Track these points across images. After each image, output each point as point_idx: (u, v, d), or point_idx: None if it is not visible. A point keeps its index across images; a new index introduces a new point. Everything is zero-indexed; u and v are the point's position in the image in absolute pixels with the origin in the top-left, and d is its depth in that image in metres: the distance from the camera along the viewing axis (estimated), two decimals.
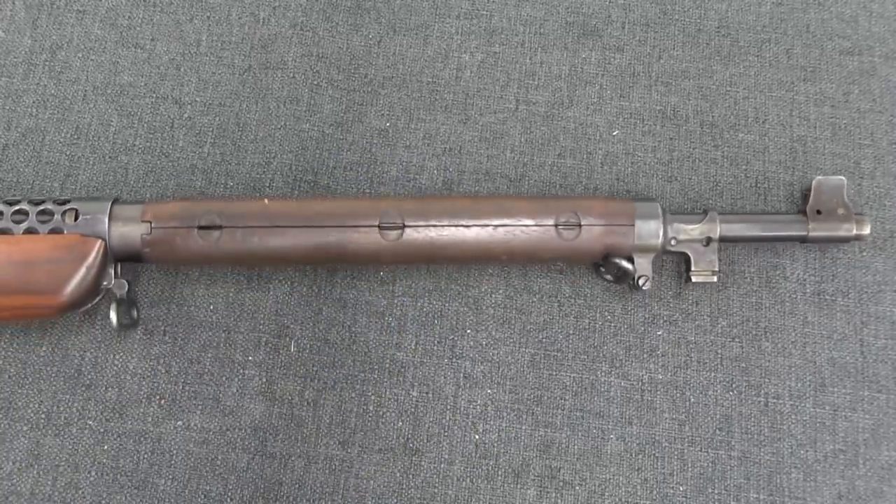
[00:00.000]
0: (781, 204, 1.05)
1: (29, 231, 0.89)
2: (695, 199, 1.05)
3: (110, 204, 0.92)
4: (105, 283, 0.91)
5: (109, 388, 0.96)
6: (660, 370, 0.98)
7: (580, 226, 0.93)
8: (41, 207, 0.90)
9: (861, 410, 0.97)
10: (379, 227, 0.92)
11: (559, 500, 0.94)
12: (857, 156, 1.07)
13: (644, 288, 0.94)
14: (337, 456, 0.95)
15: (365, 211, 0.92)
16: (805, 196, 1.00)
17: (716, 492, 0.94)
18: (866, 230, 0.97)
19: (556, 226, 0.93)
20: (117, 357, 0.97)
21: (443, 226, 0.92)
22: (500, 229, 0.93)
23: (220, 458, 0.94)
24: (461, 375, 0.98)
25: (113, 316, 0.91)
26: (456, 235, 0.92)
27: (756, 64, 1.11)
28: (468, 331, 0.99)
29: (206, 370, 0.97)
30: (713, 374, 0.98)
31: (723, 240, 0.96)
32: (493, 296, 1.00)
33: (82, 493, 0.93)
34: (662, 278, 1.01)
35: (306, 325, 0.99)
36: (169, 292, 0.99)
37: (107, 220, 0.91)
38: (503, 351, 0.98)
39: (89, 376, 0.96)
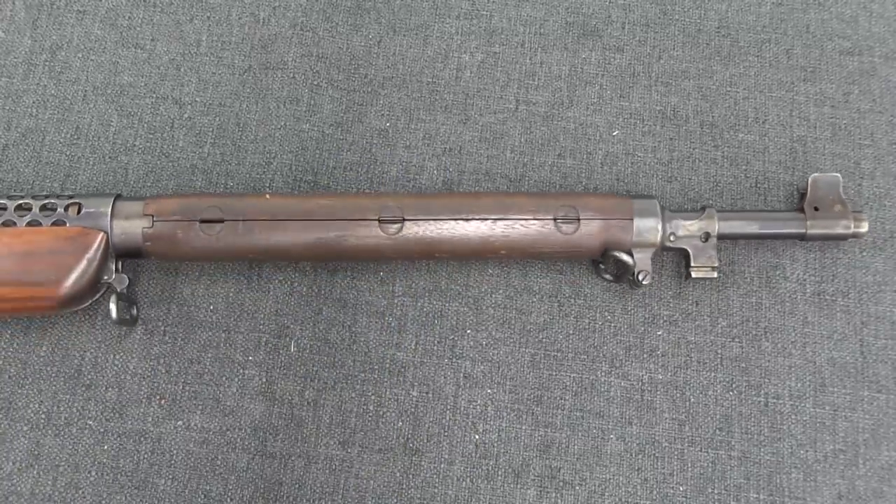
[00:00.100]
0: (781, 204, 1.05)
1: (32, 223, 0.90)
2: (695, 198, 1.05)
3: (113, 199, 0.92)
4: (106, 277, 0.91)
5: (109, 388, 0.96)
6: (660, 370, 0.98)
7: (579, 220, 0.93)
8: (44, 202, 0.91)
9: (861, 410, 0.97)
10: (379, 220, 0.92)
11: (559, 500, 0.94)
12: (856, 156, 1.07)
13: (644, 283, 0.94)
14: (337, 456, 0.95)
15: (365, 205, 0.93)
16: (802, 194, 1.00)
17: (716, 492, 0.94)
18: (864, 227, 0.97)
19: (554, 220, 0.93)
20: (117, 357, 0.97)
21: (443, 220, 0.92)
22: (500, 223, 0.93)
23: (220, 458, 0.94)
24: (461, 375, 0.98)
25: (112, 308, 0.91)
26: (456, 229, 0.93)
27: (756, 64, 1.11)
28: (468, 331, 0.99)
29: (206, 370, 0.97)
30: (713, 374, 0.98)
31: (721, 237, 0.96)
32: (493, 296, 1.00)
33: (82, 492, 0.93)
34: (662, 278, 1.01)
35: (306, 325, 0.99)
36: (169, 292, 0.99)
37: (109, 213, 0.91)
38: (503, 351, 0.98)
39: (89, 376, 0.96)
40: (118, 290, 0.92)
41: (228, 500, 0.93)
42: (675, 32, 1.12)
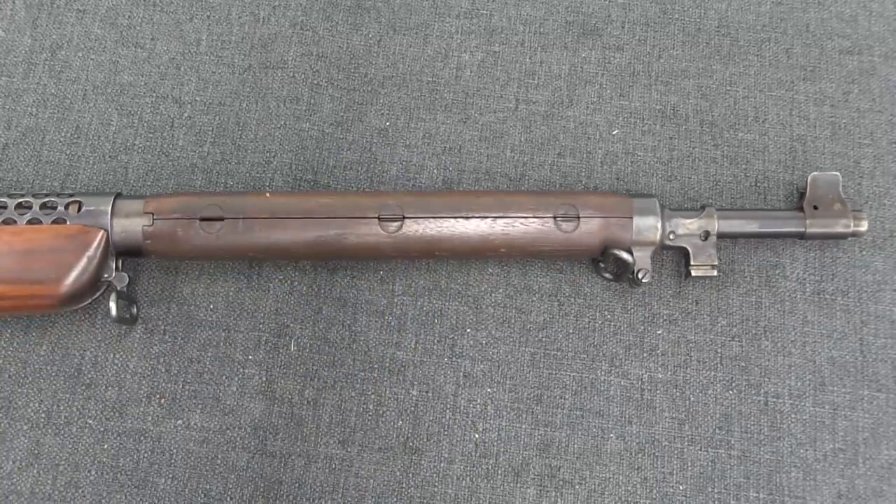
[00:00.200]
0: (781, 203, 1.05)
1: (32, 221, 0.90)
2: (694, 198, 1.05)
3: (113, 197, 0.92)
4: (106, 275, 0.91)
5: (109, 388, 0.96)
6: (659, 369, 0.98)
7: (578, 218, 0.93)
8: (45, 200, 0.91)
9: (861, 409, 0.97)
10: (379, 219, 0.92)
11: (559, 499, 0.94)
12: (856, 155, 1.07)
13: (644, 281, 0.94)
14: (337, 455, 0.95)
15: (365, 203, 0.93)
16: (801, 193, 1.00)
17: (715, 491, 0.94)
18: (864, 226, 0.97)
19: (554, 218, 0.93)
20: (117, 356, 0.97)
21: (443, 218, 0.92)
22: (500, 221, 0.93)
23: (219, 457, 0.94)
24: (461, 374, 0.98)
25: (112, 306, 0.91)
26: (456, 228, 0.93)
27: (756, 63, 1.11)
28: (468, 330, 0.99)
29: (206, 369, 0.97)
30: (713, 373, 0.98)
31: (721, 235, 0.96)
32: (493, 295, 1.00)
33: (82, 492, 0.93)
34: (662, 277, 1.01)
35: (306, 324, 0.99)
36: (169, 291, 0.99)
37: (109, 211, 0.91)
38: (503, 350, 0.98)
39: (89, 375, 0.96)
40: (118, 288, 0.92)
41: (228, 499, 0.93)
42: (675, 31, 1.12)
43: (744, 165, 1.06)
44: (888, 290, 1.01)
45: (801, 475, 0.95)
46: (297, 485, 0.94)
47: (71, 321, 0.98)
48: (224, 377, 0.97)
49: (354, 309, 0.99)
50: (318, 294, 1.00)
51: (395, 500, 0.93)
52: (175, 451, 0.94)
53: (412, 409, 0.96)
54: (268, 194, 0.94)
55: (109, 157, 1.05)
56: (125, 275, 0.92)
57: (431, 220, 0.93)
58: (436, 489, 0.94)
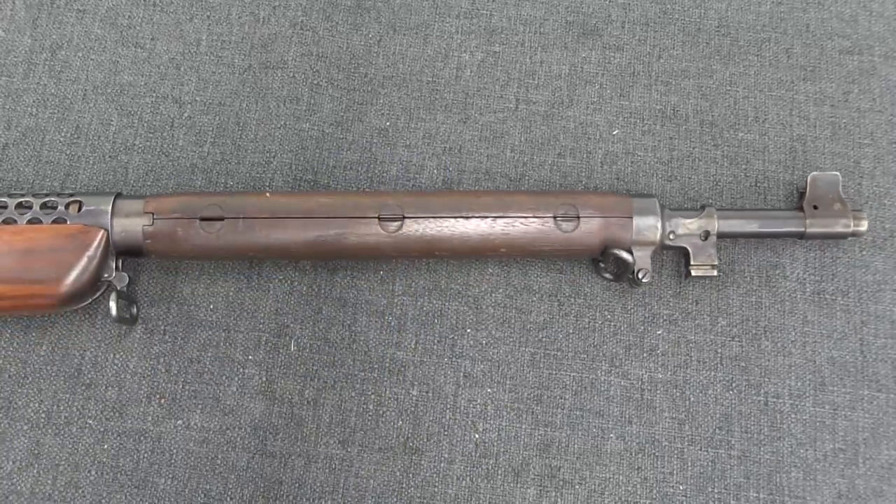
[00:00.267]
0: (781, 203, 1.05)
1: (32, 221, 0.90)
2: (694, 198, 1.05)
3: (113, 197, 0.92)
4: (106, 275, 0.91)
5: (109, 388, 0.96)
6: (659, 369, 0.98)
7: (578, 217, 0.93)
8: (45, 199, 0.91)
9: (861, 409, 0.97)
10: (379, 218, 0.92)
11: (559, 500, 0.94)
12: (856, 155, 1.07)
13: (644, 281, 0.94)
14: (337, 455, 0.95)
15: (365, 203, 0.93)
16: (801, 193, 1.00)
17: (716, 491, 0.94)
18: (864, 226, 0.98)
19: (554, 218, 0.93)
20: (117, 356, 0.97)
21: (443, 217, 0.93)
22: (500, 221, 0.93)
23: (220, 457, 0.94)
24: (461, 374, 0.98)
25: (112, 306, 0.91)
26: (456, 227, 0.93)
27: (756, 63, 1.11)
28: (468, 330, 0.99)
29: (206, 369, 0.97)
30: (713, 373, 0.98)
31: (721, 235, 0.96)
32: (493, 295, 1.00)
33: (82, 492, 0.93)
34: (662, 277, 1.01)
35: (306, 325, 0.99)
36: (169, 291, 0.99)
37: (109, 211, 0.91)
38: (503, 350, 0.98)
39: (89, 375, 0.96)
40: (118, 288, 0.92)
41: (228, 499, 0.93)
42: (675, 31, 1.12)
43: (744, 165, 1.06)
44: (888, 290, 1.01)
45: (802, 475, 0.95)
46: (297, 485, 0.94)
47: (71, 321, 0.98)
48: (224, 377, 0.97)
49: (354, 309, 0.99)
50: (318, 294, 1.00)
51: (395, 500, 0.93)
52: (175, 451, 0.94)
53: (412, 409, 0.96)
54: (268, 194, 0.94)
55: (109, 157, 1.05)
56: (125, 275, 0.92)
57: (431, 219, 0.93)
58: (436, 489, 0.94)
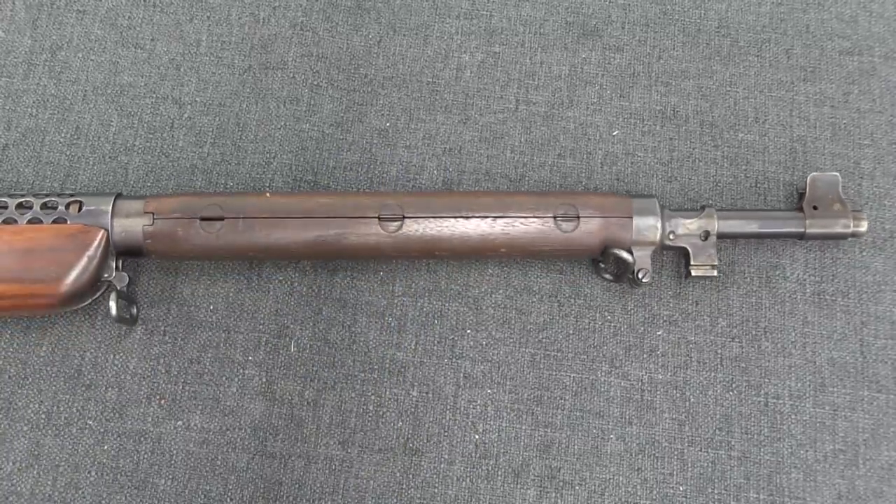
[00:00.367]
0: (781, 204, 1.05)
1: (33, 221, 0.90)
2: (695, 198, 1.05)
3: (114, 197, 0.92)
4: (106, 275, 0.92)
5: (109, 388, 0.96)
6: (660, 370, 0.98)
7: (578, 218, 0.93)
8: (45, 199, 0.91)
9: (861, 410, 0.97)
10: (379, 218, 0.92)
11: (559, 500, 0.94)
12: (856, 156, 1.07)
13: (644, 281, 0.94)
14: (337, 456, 0.95)
15: (365, 203, 0.93)
16: (801, 195, 1.00)
17: (716, 492, 0.94)
18: (863, 226, 0.98)
19: (554, 218, 0.93)
20: (117, 357, 0.97)
21: (443, 217, 0.93)
22: (500, 221, 0.93)
23: (220, 458, 0.94)
24: (461, 375, 0.98)
25: (112, 306, 0.91)
26: (456, 227, 0.93)
27: (756, 64, 1.11)
28: (468, 331, 0.99)
29: (206, 370, 0.97)
30: (713, 374, 0.98)
31: (721, 235, 0.96)
32: (493, 296, 1.00)
33: (82, 493, 0.93)
34: (662, 278, 1.01)
35: (306, 325, 0.99)
36: (169, 292, 0.99)
37: (110, 211, 0.91)
38: (503, 351, 0.98)
39: (89, 376, 0.96)
40: (118, 288, 0.92)
41: (228, 500, 0.93)
42: (675, 32, 1.12)
43: (744, 166, 1.06)
44: (888, 290, 1.01)
45: (802, 476, 0.95)
46: (297, 486, 0.94)
47: (71, 322, 0.98)
48: (224, 378, 0.97)
49: (354, 310, 0.99)
50: (319, 295, 1.00)
51: (395, 501, 0.93)
52: (175, 452, 0.94)
53: (412, 410, 0.96)
54: (268, 194, 0.94)
55: (109, 157, 1.05)
56: (125, 275, 0.93)
57: (431, 219, 0.93)
58: (436, 490, 0.94)
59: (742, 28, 1.12)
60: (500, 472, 0.95)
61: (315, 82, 1.09)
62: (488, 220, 0.93)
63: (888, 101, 1.09)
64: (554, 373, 0.98)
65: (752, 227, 0.97)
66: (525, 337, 0.99)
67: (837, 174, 0.99)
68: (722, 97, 1.09)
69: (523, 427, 0.96)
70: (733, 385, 0.98)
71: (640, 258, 0.94)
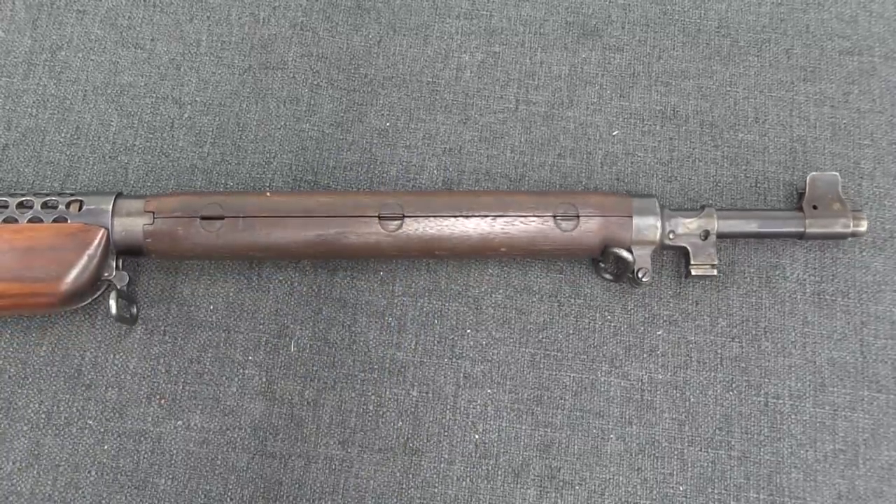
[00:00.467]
0: (781, 204, 1.05)
1: (33, 220, 0.90)
2: (695, 198, 1.05)
3: (114, 196, 0.92)
4: (106, 274, 0.92)
5: (109, 388, 0.96)
6: (660, 370, 0.98)
7: (578, 217, 0.93)
8: (46, 199, 0.92)
9: (861, 410, 0.97)
10: (379, 217, 0.92)
11: (559, 500, 0.94)
12: (856, 156, 1.07)
13: (644, 280, 0.94)
14: (337, 456, 0.94)
15: (365, 202, 0.93)
16: (801, 194, 1.00)
17: (716, 492, 0.94)
18: (863, 226, 0.98)
19: (554, 217, 0.93)
20: (117, 357, 0.97)
21: (443, 216, 0.93)
22: (500, 220, 0.93)
23: (220, 457, 0.94)
24: (461, 375, 0.98)
25: (112, 305, 0.91)
26: (456, 226, 0.93)
27: (756, 64, 1.11)
28: (468, 331, 0.99)
29: (206, 370, 0.97)
30: (713, 374, 0.98)
31: (720, 235, 0.96)
32: (493, 296, 1.00)
33: (82, 492, 0.93)
34: (662, 278, 1.01)
35: (306, 325, 0.99)
36: (169, 292, 0.99)
37: (110, 210, 0.91)
38: (503, 351, 0.98)
39: (89, 376, 0.96)
40: (118, 287, 0.92)
41: (228, 499, 0.93)
42: (675, 32, 1.12)
43: (744, 166, 1.06)
44: (888, 290, 1.01)
45: (802, 476, 0.95)
46: (297, 485, 0.94)
47: (71, 322, 0.98)
48: (224, 378, 0.97)
49: (354, 310, 0.99)
50: (318, 295, 1.00)
51: (395, 500, 0.93)
52: (175, 451, 0.94)
53: (412, 409, 0.96)
54: (268, 193, 0.94)
55: (109, 157, 1.05)
56: (125, 274, 0.93)
57: (431, 218, 0.93)
58: (436, 490, 0.94)
59: (742, 28, 1.12)
60: (500, 472, 0.94)
61: (315, 82, 1.09)
62: (488, 219, 0.93)
63: (888, 101, 1.09)
64: (554, 373, 0.98)
65: (751, 226, 0.97)
66: (525, 337, 0.99)
67: (837, 174, 0.99)
68: (722, 97, 1.09)
69: (523, 427, 0.96)
70: (733, 385, 0.98)
71: (640, 257, 0.95)
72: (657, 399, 0.97)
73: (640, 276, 0.94)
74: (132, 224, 0.91)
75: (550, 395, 0.97)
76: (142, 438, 0.94)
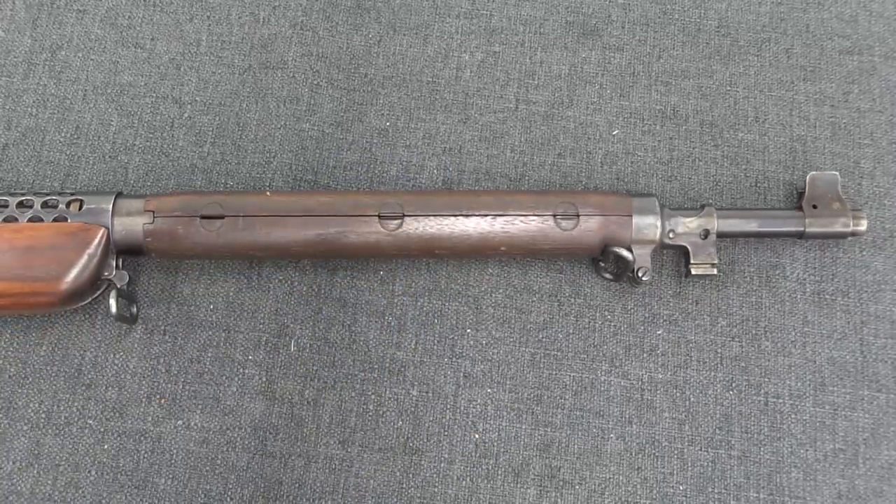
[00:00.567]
0: (781, 203, 1.05)
1: (33, 219, 0.90)
2: (695, 198, 1.05)
3: (114, 195, 0.92)
4: (106, 273, 0.92)
5: (109, 388, 0.96)
6: (660, 369, 0.98)
7: (578, 216, 0.93)
8: (46, 198, 0.92)
9: (861, 410, 0.97)
10: (379, 217, 0.92)
11: (559, 500, 0.94)
12: (856, 155, 1.07)
13: (644, 279, 0.94)
14: (337, 455, 0.95)
15: (365, 202, 0.93)
16: (801, 194, 1.00)
17: (716, 491, 0.94)
18: (863, 225, 0.98)
19: (554, 216, 0.93)
20: (117, 357, 0.97)
21: (443, 216, 0.93)
22: (500, 219, 0.93)
23: (220, 457, 0.94)
24: (461, 375, 0.98)
25: (112, 304, 0.91)
26: (456, 226, 0.93)
27: (756, 64, 1.11)
28: (468, 330, 0.99)
29: (206, 370, 0.97)
30: (713, 374, 0.98)
31: (720, 234, 0.96)
32: (493, 295, 1.00)
33: (82, 492, 0.93)
34: (662, 277, 1.01)
35: (306, 325, 0.99)
36: (169, 291, 0.99)
37: (110, 209, 0.91)
38: (503, 350, 0.98)
39: (89, 376, 0.96)
40: (118, 286, 0.92)
41: (228, 499, 0.93)
42: (675, 32, 1.12)
43: (744, 166, 1.06)
44: (888, 290, 1.01)
45: (802, 475, 0.95)
46: (297, 485, 0.94)
47: (71, 321, 0.98)
48: (224, 377, 0.97)
49: (354, 309, 0.99)
50: (319, 294, 1.00)
51: (395, 500, 0.93)
52: (175, 451, 0.94)
53: (412, 409, 0.96)
54: (268, 193, 0.94)
55: (109, 157, 1.05)
56: (125, 273, 0.93)
57: (431, 218, 0.93)
58: (436, 489, 0.94)
59: (742, 28, 1.12)
60: (500, 472, 0.94)
61: (315, 82, 1.09)
62: (488, 218, 0.93)
63: (888, 101, 1.09)
64: (554, 372, 0.98)
65: (751, 225, 0.97)
66: (525, 336, 0.99)
67: (836, 173, 0.99)
68: (722, 97, 1.09)
69: (523, 426, 0.96)
70: (733, 384, 0.98)
71: (640, 256, 0.95)
72: (657, 398, 0.97)
73: (640, 275, 0.94)
74: (132, 223, 0.91)
75: (550, 394, 0.97)
76: (142, 438, 0.94)
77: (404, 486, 0.94)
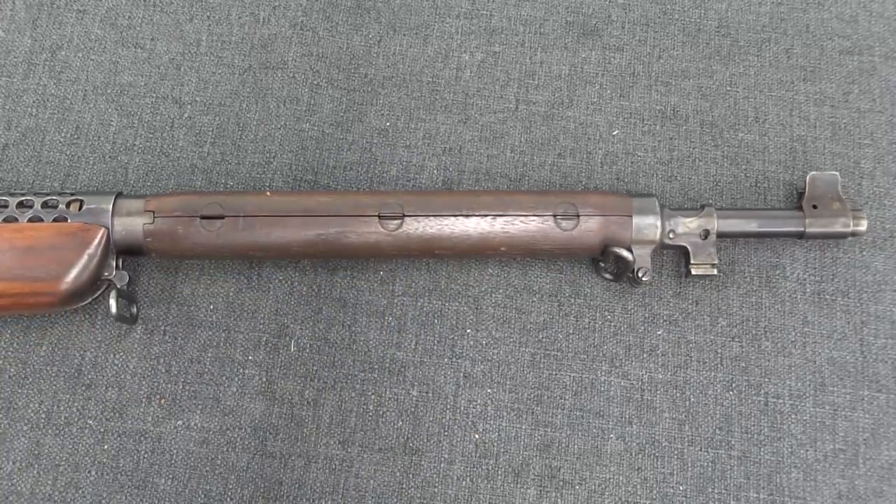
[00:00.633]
0: (781, 204, 1.05)
1: (33, 219, 0.90)
2: (695, 198, 1.05)
3: (115, 195, 0.92)
4: (106, 273, 0.92)
5: (109, 388, 0.96)
6: (660, 370, 0.98)
7: (578, 216, 0.93)
8: (46, 198, 0.92)
9: (861, 410, 0.97)
10: (379, 217, 0.92)
11: (559, 500, 0.94)
12: (856, 155, 1.07)
13: (644, 280, 0.94)
14: (337, 455, 0.94)
15: (365, 202, 0.93)
16: (801, 194, 1.00)
17: (716, 491, 0.94)
18: (863, 225, 0.98)
19: (554, 216, 0.93)
20: (117, 357, 0.97)
21: (443, 216, 0.93)
22: (500, 220, 0.93)
23: (220, 457, 0.94)
24: (461, 375, 0.98)
25: (112, 304, 0.91)
26: (456, 226, 0.93)
27: (756, 64, 1.11)
28: (468, 330, 0.99)
29: (206, 370, 0.97)
30: (713, 374, 0.98)
31: (720, 235, 0.96)
32: (493, 295, 1.00)
33: (82, 492, 0.93)
34: (662, 277, 1.01)
35: (306, 325, 0.99)
36: (169, 292, 0.99)
37: (110, 209, 0.91)
38: (503, 350, 0.98)
39: (89, 376, 0.96)
40: (118, 286, 0.92)
41: (228, 499, 0.93)
42: (675, 32, 1.12)
43: (744, 166, 1.06)
44: (888, 290, 1.01)
45: (802, 476, 0.95)
46: (297, 485, 0.94)
47: (71, 321, 0.98)
48: (224, 378, 0.97)
49: (354, 309, 0.99)
50: (319, 294, 1.00)
51: (395, 500, 0.93)
52: (175, 451, 0.94)
53: (412, 409, 0.96)
54: (268, 193, 0.94)
55: (109, 157, 1.05)
56: (125, 273, 0.93)
57: (432, 218, 0.93)
58: (436, 490, 0.94)
59: (742, 28, 1.12)
60: (500, 472, 0.94)
61: (315, 82, 1.09)
62: (488, 218, 0.93)
63: (888, 101, 1.09)
64: (554, 372, 0.98)
65: (751, 226, 0.97)
66: (525, 336, 0.99)
67: (836, 173, 0.99)
68: (722, 97, 1.09)
69: (523, 427, 0.96)
70: (733, 385, 0.98)
71: (640, 256, 0.95)
72: (657, 399, 0.97)
73: (640, 275, 0.94)
74: (132, 223, 0.91)
75: (550, 394, 0.97)
76: (142, 438, 0.94)
77: (404, 486, 0.94)
